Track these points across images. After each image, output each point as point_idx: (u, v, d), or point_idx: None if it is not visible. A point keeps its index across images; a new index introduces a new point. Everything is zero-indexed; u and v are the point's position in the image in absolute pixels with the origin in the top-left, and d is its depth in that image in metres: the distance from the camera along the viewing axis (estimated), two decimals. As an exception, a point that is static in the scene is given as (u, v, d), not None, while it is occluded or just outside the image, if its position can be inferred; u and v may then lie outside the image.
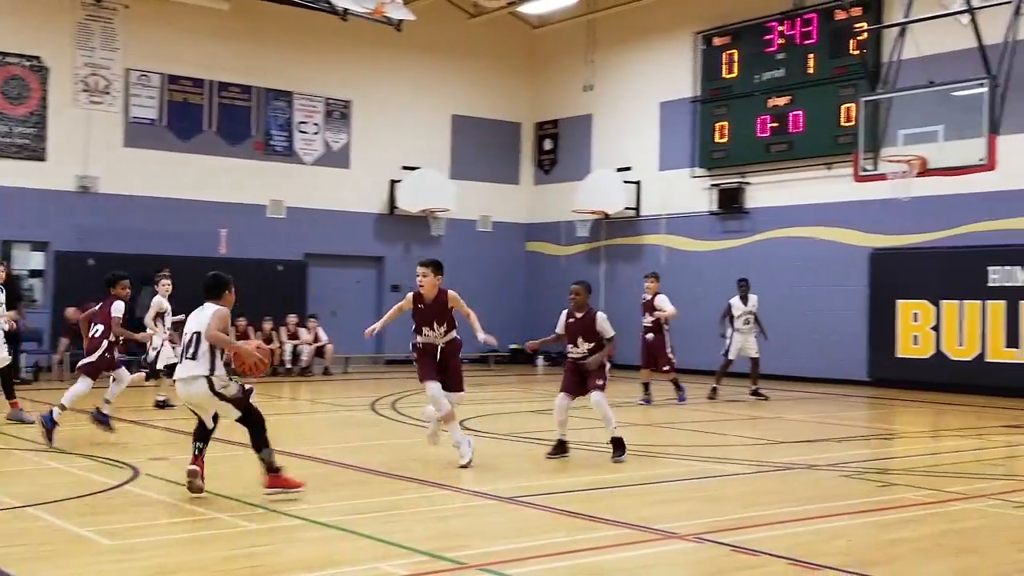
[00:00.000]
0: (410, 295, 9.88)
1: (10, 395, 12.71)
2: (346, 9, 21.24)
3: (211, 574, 6.04)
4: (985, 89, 15.30)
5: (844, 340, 20.35)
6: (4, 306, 12.72)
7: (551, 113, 26.90)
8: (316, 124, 24.22)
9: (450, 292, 9.83)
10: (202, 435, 8.11)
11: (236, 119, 23.16)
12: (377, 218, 24.95)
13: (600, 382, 10.17)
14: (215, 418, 8.14)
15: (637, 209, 24.49)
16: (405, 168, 24.76)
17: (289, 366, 21.67)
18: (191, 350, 7.92)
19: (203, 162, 22.62)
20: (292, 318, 22.15)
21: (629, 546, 6.83)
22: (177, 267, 20.25)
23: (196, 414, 8.14)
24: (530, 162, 27.37)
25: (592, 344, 10.26)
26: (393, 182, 24.75)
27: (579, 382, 10.31)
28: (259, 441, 7.96)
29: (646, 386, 16.56)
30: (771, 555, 6.50)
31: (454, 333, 9.89)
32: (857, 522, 7.68)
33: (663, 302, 16.34)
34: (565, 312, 10.49)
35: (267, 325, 21.58)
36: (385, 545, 6.65)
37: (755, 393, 17.25)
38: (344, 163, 24.54)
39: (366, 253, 24.92)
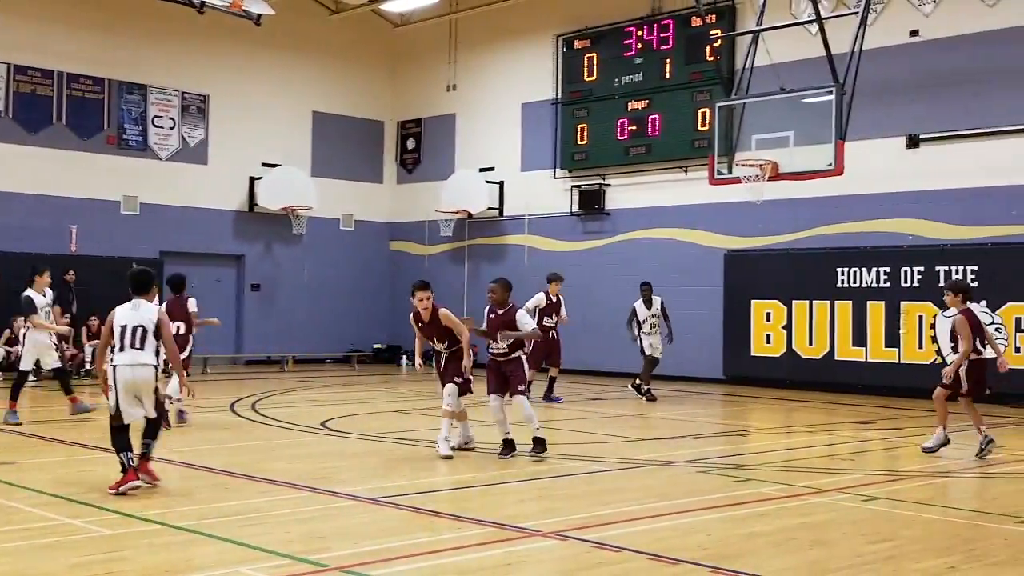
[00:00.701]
0: (411, 315, 10.47)
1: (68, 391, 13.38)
2: (203, 1, 20.75)
3: (63, 583, 5.83)
4: (832, 96, 15.85)
5: (701, 339, 20.81)
6: (50, 309, 13.37)
7: (414, 112, 26.82)
8: (172, 119, 23.57)
9: (440, 311, 10.25)
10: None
11: (87, 112, 22.35)
12: (236, 216, 24.44)
13: (522, 387, 10.32)
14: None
15: (500, 209, 24.63)
16: (265, 165, 24.31)
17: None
18: (138, 342, 8.29)
19: (52, 156, 21.76)
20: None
21: (493, 544, 6.86)
22: (25, 266, 19.66)
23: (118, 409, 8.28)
24: (393, 161, 27.23)
25: (512, 340, 10.31)
26: (253, 179, 24.30)
27: (503, 381, 10.38)
28: (153, 433, 8.42)
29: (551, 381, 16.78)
30: (632, 551, 6.61)
31: (458, 345, 10.35)
32: (714, 517, 7.88)
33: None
34: (487, 308, 10.54)
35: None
36: (245, 548, 6.52)
37: (636, 387, 17.44)
38: (202, 159, 23.95)
39: (225, 251, 24.40)
